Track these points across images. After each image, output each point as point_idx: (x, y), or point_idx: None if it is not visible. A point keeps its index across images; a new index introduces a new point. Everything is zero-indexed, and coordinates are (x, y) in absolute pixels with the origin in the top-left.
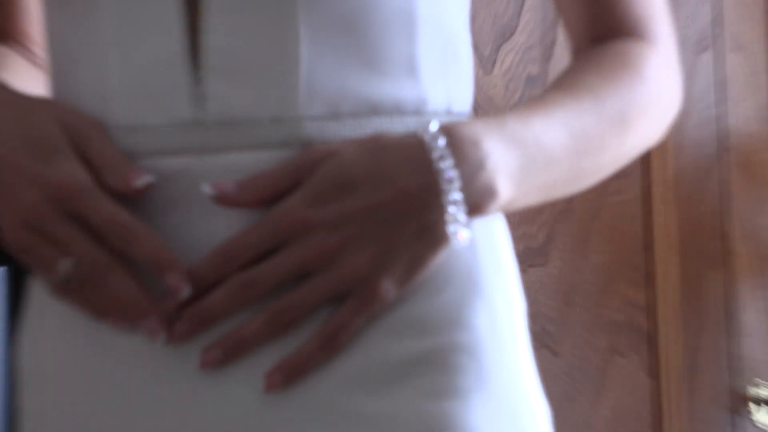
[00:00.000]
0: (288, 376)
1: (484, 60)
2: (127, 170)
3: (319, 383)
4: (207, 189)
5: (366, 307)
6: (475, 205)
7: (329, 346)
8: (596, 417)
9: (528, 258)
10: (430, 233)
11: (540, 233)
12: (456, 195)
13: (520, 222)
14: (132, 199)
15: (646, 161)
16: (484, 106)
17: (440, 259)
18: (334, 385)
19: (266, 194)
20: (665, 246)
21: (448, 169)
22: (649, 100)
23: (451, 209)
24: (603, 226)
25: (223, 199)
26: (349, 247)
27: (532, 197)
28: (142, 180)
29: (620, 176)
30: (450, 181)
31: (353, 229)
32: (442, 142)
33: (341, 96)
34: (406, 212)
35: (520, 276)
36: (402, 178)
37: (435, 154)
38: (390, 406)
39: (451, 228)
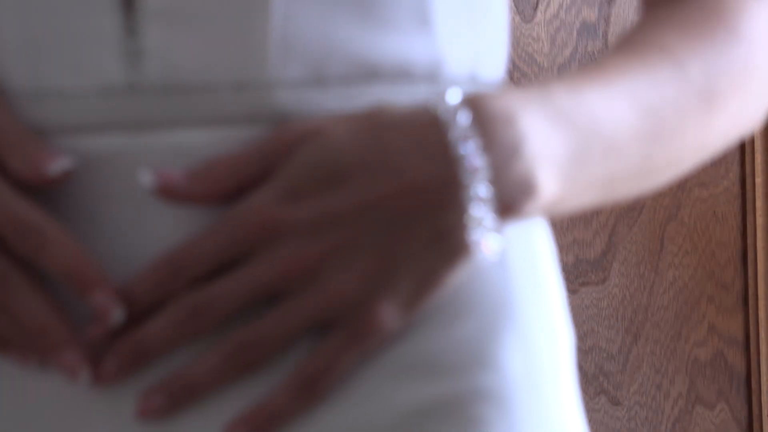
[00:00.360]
0: None
1: (522, 2)
2: (37, 152)
3: None
4: (146, 178)
5: (358, 342)
6: (507, 205)
7: (308, 394)
8: None
9: (580, 273)
10: (445, 242)
11: (597, 240)
12: (481, 191)
13: (571, 225)
14: (44, 193)
15: (743, 143)
16: (522, 67)
17: (459, 276)
18: None
19: (227, 186)
20: None
21: (471, 155)
22: (748, 69)
23: (475, 210)
24: (682, 229)
25: (169, 192)
26: (335, 259)
27: (586, 196)
28: (57, 165)
29: (707, 163)
30: (473, 171)
31: (342, 236)
32: (464, 118)
33: (327, 54)
34: (414, 214)
35: (568, 298)
36: (409, 168)
37: (454, 135)
38: None
39: (474, 235)
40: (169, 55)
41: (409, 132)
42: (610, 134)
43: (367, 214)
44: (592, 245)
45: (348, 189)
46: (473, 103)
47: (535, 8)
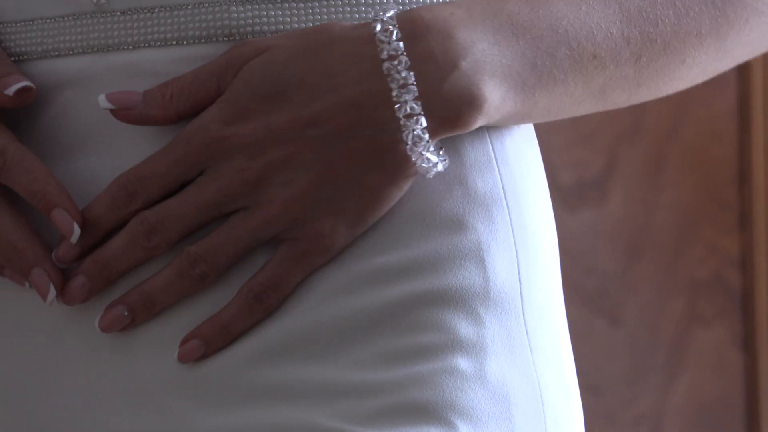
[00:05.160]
0: (208, 344)
1: None
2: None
3: (231, 355)
4: (103, 101)
5: (304, 258)
6: (450, 118)
7: (257, 308)
8: (669, 405)
9: (580, 194)
10: (386, 157)
11: (597, 160)
12: (414, 106)
13: (569, 145)
14: (12, 116)
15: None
16: None
17: (402, 192)
18: (242, 357)
19: (181, 106)
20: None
21: (401, 71)
22: None
23: (414, 125)
24: (682, 149)
25: (125, 113)
26: (277, 176)
27: (568, 105)
28: (15, 86)
29: (706, 80)
30: (403, 87)
31: (282, 152)
32: (395, 34)
33: None
34: (351, 130)
35: (567, 218)
36: (344, 84)
37: (384, 52)
38: (333, 374)
39: (414, 150)
40: None
41: (347, 48)
42: (582, 40)
43: (307, 131)
44: (591, 165)
45: (287, 106)
46: (408, 17)
47: None
